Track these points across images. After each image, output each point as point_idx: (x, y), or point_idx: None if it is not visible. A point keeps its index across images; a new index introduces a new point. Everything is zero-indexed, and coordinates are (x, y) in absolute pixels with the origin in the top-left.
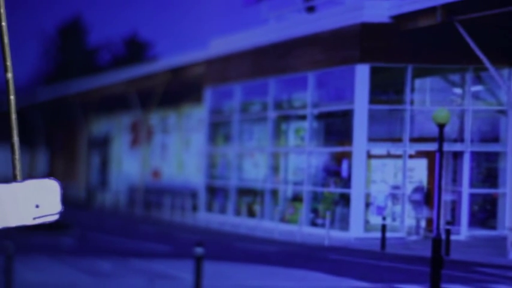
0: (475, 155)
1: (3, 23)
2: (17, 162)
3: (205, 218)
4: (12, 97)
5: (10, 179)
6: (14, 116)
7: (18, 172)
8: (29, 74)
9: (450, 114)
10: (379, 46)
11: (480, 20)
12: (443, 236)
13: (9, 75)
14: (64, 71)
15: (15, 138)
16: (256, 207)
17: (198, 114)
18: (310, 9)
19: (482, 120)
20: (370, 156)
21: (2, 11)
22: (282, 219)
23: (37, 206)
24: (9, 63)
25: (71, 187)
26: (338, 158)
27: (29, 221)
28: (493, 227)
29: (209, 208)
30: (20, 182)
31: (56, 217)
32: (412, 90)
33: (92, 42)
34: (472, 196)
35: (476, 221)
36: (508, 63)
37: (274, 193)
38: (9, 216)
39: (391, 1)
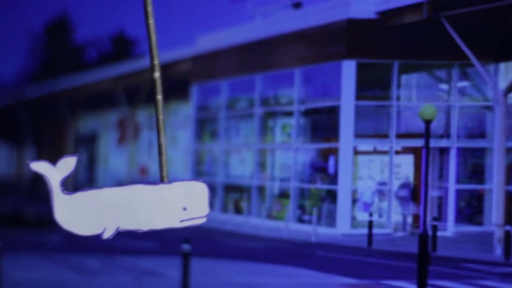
0: (461, 151)
1: (151, 21)
2: (164, 163)
3: None
4: (159, 97)
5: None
6: (161, 117)
7: (165, 173)
8: (16, 71)
9: (436, 110)
10: (366, 42)
11: (466, 16)
12: (429, 232)
13: None
14: (51, 68)
15: (163, 139)
16: (243, 204)
17: (184, 111)
18: (297, 5)
19: (468, 116)
20: (356, 152)
21: (149, 9)
22: (269, 216)
23: (184, 209)
24: None
25: None
26: (325, 155)
27: (176, 224)
28: (480, 223)
29: None
30: (167, 183)
31: (203, 220)
32: (399, 86)
33: (78, 39)
34: (459, 192)
35: (462, 217)
36: (494, 59)
37: (261, 190)
38: (156, 218)
39: None
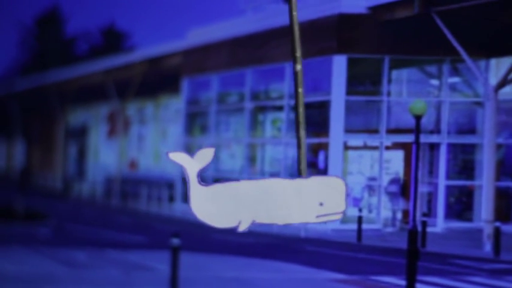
0: (451, 147)
1: (295, 12)
2: (302, 157)
3: (182, 208)
4: (300, 90)
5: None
6: (301, 110)
7: (303, 168)
8: (6, 63)
9: (427, 106)
10: (357, 37)
11: (457, 12)
12: (419, 228)
13: None
14: (41, 61)
15: (302, 133)
16: None
17: (175, 105)
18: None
19: (459, 111)
20: (346, 147)
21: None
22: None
23: (321, 204)
24: None
25: (47, 177)
26: (315, 149)
27: (312, 219)
28: (469, 219)
29: (186, 199)
30: (305, 178)
31: (339, 216)
32: (389, 81)
33: (69, 32)
34: (449, 188)
35: (452, 213)
36: (485, 55)
37: None
38: (292, 213)
39: None
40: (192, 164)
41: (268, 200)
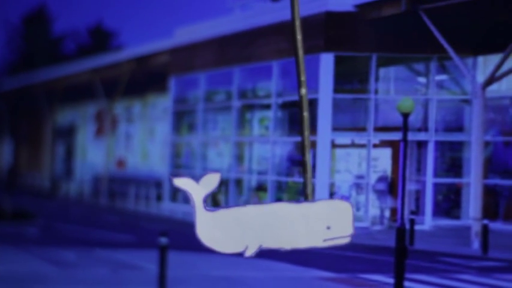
0: (439, 145)
1: (299, 37)
2: (308, 181)
3: (170, 207)
4: (305, 114)
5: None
6: (306, 133)
7: (309, 191)
8: None
9: (414, 104)
10: (344, 35)
11: (444, 9)
12: (407, 226)
13: None
14: (28, 60)
15: (307, 157)
16: (221, 197)
17: (162, 104)
18: None
19: (446, 109)
20: (334, 145)
21: (297, 23)
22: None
23: (328, 228)
24: None
25: (35, 177)
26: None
27: (319, 243)
28: (457, 217)
29: (173, 198)
30: (311, 202)
31: (347, 240)
32: (377, 79)
33: (56, 31)
34: (436, 186)
35: (440, 210)
36: (473, 53)
37: (238, 183)
38: (299, 237)
39: None
40: (197, 190)
41: (275, 224)
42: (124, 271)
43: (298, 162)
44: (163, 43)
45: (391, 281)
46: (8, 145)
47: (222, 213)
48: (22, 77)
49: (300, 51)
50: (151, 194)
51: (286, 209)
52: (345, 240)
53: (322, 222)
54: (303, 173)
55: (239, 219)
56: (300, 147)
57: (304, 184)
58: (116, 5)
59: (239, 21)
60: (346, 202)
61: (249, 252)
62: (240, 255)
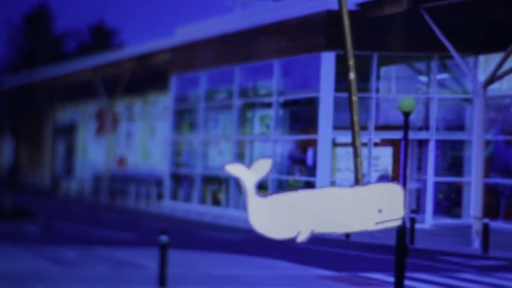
0: (440, 143)
1: (346, 22)
2: (359, 165)
3: (170, 206)
4: (354, 98)
5: None
6: (356, 118)
7: (360, 176)
8: None
9: (415, 102)
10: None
11: (446, 8)
12: (407, 225)
13: None
14: (30, 58)
15: (358, 142)
16: (221, 196)
17: (163, 102)
18: None
19: (447, 108)
20: (335, 144)
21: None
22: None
23: (380, 211)
24: None
25: (36, 175)
26: (303, 146)
27: (371, 226)
28: (458, 216)
29: (174, 196)
30: (363, 186)
31: (398, 222)
32: (378, 78)
33: (57, 29)
34: (437, 184)
35: (441, 209)
36: (474, 52)
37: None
38: (351, 221)
39: None
40: (248, 176)
41: (327, 209)
42: (124, 269)
43: (298, 160)
44: (164, 42)
45: (391, 279)
46: (9, 143)
47: (275, 199)
48: (23, 75)
49: (348, 37)
50: (151, 192)
51: (338, 193)
52: (396, 223)
53: (374, 205)
54: (354, 157)
55: (291, 204)
56: (351, 131)
57: (356, 168)
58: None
59: (240, 20)
60: (397, 185)
61: (301, 238)
62: (240, 253)
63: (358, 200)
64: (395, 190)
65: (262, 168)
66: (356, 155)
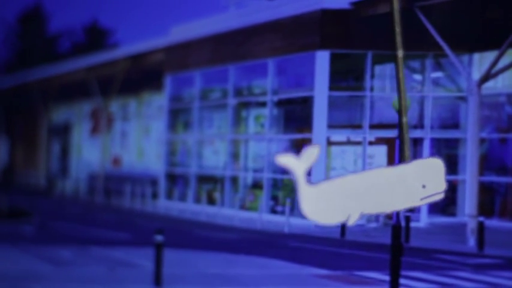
0: (435, 142)
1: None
2: (406, 141)
3: (165, 205)
4: (401, 75)
5: None
6: (403, 95)
7: (407, 154)
8: None
9: (410, 101)
10: (339, 32)
11: (440, 6)
12: (403, 223)
13: None
14: (24, 58)
15: (404, 119)
16: (216, 195)
17: (158, 102)
18: None
19: (442, 106)
20: (330, 143)
21: (399, 39)
22: (242, 207)
23: (424, 186)
24: None
25: (31, 175)
26: (298, 145)
27: (417, 202)
28: (453, 214)
29: (169, 196)
30: (407, 163)
31: (441, 196)
32: (372, 76)
33: (52, 29)
34: None
35: (436, 208)
36: (468, 50)
37: (234, 180)
38: (397, 199)
39: None
40: (298, 165)
41: (375, 190)
42: (120, 269)
43: None
44: (158, 41)
45: (386, 278)
46: (4, 143)
47: (325, 186)
48: (17, 76)
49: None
50: (146, 192)
51: (384, 173)
52: (440, 197)
53: (418, 181)
54: (400, 136)
55: (340, 189)
56: (398, 106)
57: (401, 145)
58: (111, 3)
59: (234, 19)
60: (437, 159)
61: (351, 221)
62: (236, 252)
63: (404, 178)
64: (436, 164)
65: (310, 156)
66: (402, 131)
